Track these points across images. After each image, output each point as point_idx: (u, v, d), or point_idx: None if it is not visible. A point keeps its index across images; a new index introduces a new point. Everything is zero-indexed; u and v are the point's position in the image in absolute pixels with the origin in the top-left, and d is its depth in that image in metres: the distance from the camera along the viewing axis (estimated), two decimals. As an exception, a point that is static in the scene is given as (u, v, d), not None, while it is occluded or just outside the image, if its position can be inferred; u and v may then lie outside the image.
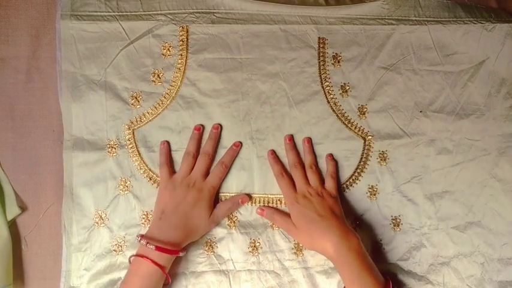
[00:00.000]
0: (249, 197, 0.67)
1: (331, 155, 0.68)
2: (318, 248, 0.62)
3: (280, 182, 0.66)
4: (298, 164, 0.67)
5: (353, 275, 0.59)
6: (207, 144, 0.66)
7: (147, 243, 0.58)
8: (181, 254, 0.61)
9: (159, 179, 0.66)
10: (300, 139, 0.68)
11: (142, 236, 0.60)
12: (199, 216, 0.62)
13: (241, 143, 0.67)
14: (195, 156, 0.66)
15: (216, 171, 0.65)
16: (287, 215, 0.65)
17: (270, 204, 0.67)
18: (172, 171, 0.65)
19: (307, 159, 0.68)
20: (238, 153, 0.67)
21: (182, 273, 0.65)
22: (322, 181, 0.67)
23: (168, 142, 0.67)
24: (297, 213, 0.63)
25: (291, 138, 0.68)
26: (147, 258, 0.57)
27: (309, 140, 0.68)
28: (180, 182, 0.63)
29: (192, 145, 0.66)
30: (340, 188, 0.68)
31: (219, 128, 0.67)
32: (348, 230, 0.61)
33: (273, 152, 0.68)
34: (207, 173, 0.65)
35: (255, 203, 0.67)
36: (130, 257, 0.60)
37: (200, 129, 0.67)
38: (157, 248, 0.58)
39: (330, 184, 0.66)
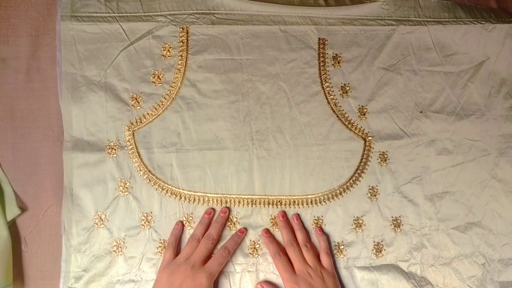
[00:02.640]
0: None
1: (320, 229, 0.67)
2: None
3: (277, 262, 0.64)
4: (294, 242, 0.65)
5: None
6: (213, 228, 0.65)
7: None
8: None
9: (158, 180, 0.66)
10: (300, 139, 0.68)
11: None
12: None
13: (246, 229, 0.67)
14: (200, 241, 0.64)
15: (217, 256, 0.63)
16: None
17: (270, 206, 0.67)
18: (175, 254, 0.64)
19: (299, 237, 0.66)
20: (243, 239, 0.66)
21: (182, 275, 0.65)
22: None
23: (183, 224, 0.66)
24: None
25: (284, 215, 0.67)
26: None
27: (298, 217, 0.67)
28: (178, 266, 0.61)
29: (200, 230, 0.65)
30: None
31: (227, 212, 0.66)
32: None
33: (267, 231, 0.66)
34: (208, 257, 0.63)
35: (255, 204, 0.67)
36: None
37: (211, 213, 0.66)
38: None
39: (326, 262, 0.65)
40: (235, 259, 0.66)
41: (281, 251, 0.65)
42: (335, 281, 0.64)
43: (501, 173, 0.70)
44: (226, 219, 0.66)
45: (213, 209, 0.66)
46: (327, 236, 0.67)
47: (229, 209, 0.67)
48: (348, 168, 0.69)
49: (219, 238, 0.65)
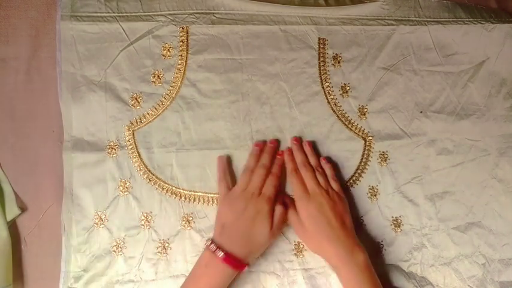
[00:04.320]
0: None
1: (325, 158, 0.68)
2: (322, 255, 0.63)
3: (292, 178, 0.65)
4: (307, 164, 0.66)
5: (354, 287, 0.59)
6: (263, 158, 0.66)
7: (216, 249, 0.58)
8: (245, 270, 0.60)
9: (158, 180, 0.66)
10: (300, 140, 0.68)
11: (212, 241, 0.59)
12: (260, 232, 0.61)
13: (278, 140, 0.68)
14: (254, 171, 0.65)
15: (268, 181, 0.64)
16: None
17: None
18: (230, 185, 0.65)
19: (312, 161, 0.67)
20: (282, 160, 0.67)
21: (182, 276, 0.64)
22: None
23: (224, 157, 0.66)
24: (307, 215, 0.63)
25: (297, 138, 0.68)
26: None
27: (310, 143, 0.68)
28: (237, 196, 0.63)
29: (252, 161, 0.66)
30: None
31: (276, 143, 0.67)
32: (356, 244, 0.61)
33: (290, 150, 0.67)
34: (262, 185, 0.64)
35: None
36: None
37: (261, 145, 0.67)
38: (226, 258, 0.57)
39: (335, 187, 0.65)
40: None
41: (298, 170, 0.66)
42: (345, 205, 0.64)
43: (501, 173, 0.70)
44: (275, 148, 0.67)
45: (263, 141, 0.67)
46: (331, 165, 0.67)
47: (277, 141, 0.68)
48: (348, 168, 0.69)
49: (271, 167, 0.66)
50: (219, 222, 0.62)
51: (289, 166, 0.66)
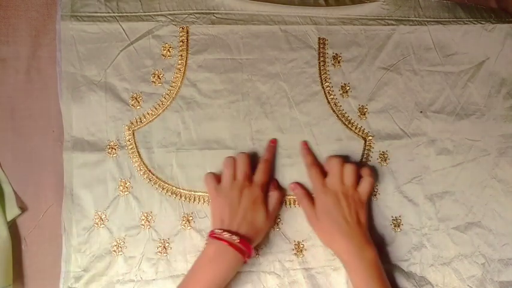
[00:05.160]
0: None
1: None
2: (333, 249, 0.63)
3: (311, 171, 0.66)
4: (339, 157, 0.65)
5: (362, 283, 0.60)
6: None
7: (231, 235, 0.58)
8: (252, 256, 0.61)
9: (158, 180, 0.66)
10: (300, 139, 0.68)
11: (224, 230, 0.59)
12: (258, 219, 0.61)
13: (276, 139, 0.68)
14: (236, 159, 0.65)
15: (259, 167, 0.65)
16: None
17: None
18: (217, 177, 0.65)
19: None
20: (276, 149, 0.67)
21: (182, 276, 0.64)
22: None
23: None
24: (323, 206, 0.63)
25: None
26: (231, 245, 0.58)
27: None
28: (230, 188, 0.62)
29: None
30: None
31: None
32: (368, 242, 0.62)
33: (306, 143, 0.68)
34: (250, 172, 0.64)
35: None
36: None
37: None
38: (242, 241, 0.58)
39: (363, 187, 0.64)
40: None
41: (317, 164, 0.66)
42: (363, 208, 0.64)
43: (501, 173, 0.70)
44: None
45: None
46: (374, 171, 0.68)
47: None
48: (348, 168, 0.69)
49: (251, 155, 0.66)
50: (217, 217, 0.62)
51: (308, 159, 0.67)
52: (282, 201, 0.66)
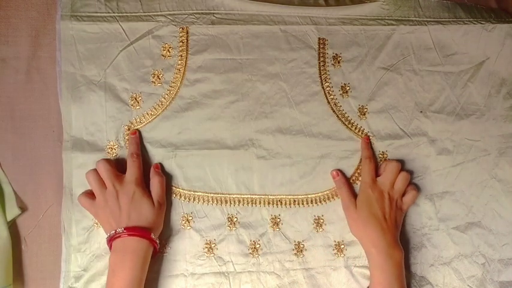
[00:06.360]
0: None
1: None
2: (362, 240, 0.65)
3: (367, 164, 0.67)
4: (399, 166, 0.66)
5: (384, 280, 0.61)
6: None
7: (121, 228, 0.58)
8: (153, 237, 0.60)
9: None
10: (300, 139, 0.68)
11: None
12: (144, 211, 0.61)
13: (138, 131, 0.66)
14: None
15: (128, 164, 0.64)
16: (355, 193, 0.67)
17: (271, 205, 0.67)
18: (90, 194, 0.63)
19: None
20: (138, 139, 0.66)
21: (182, 275, 0.65)
22: None
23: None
24: (367, 198, 0.64)
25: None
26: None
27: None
28: (104, 197, 0.61)
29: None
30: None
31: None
32: (397, 244, 0.63)
33: (368, 138, 0.69)
34: (116, 174, 0.63)
35: (255, 204, 0.67)
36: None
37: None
38: (133, 228, 0.59)
39: (409, 199, 0.66)
40: (236, 259, 0.66)
41: (374, 158, 0.68)
42: (401, 216, 0.66)
43: (501, 173, 0.70)
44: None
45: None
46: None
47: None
48: (348, 168, 0.69)
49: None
50: (106, 226, 0.61)
51: (365, 153, 0.68)
52: (163, 183, 0.65)
